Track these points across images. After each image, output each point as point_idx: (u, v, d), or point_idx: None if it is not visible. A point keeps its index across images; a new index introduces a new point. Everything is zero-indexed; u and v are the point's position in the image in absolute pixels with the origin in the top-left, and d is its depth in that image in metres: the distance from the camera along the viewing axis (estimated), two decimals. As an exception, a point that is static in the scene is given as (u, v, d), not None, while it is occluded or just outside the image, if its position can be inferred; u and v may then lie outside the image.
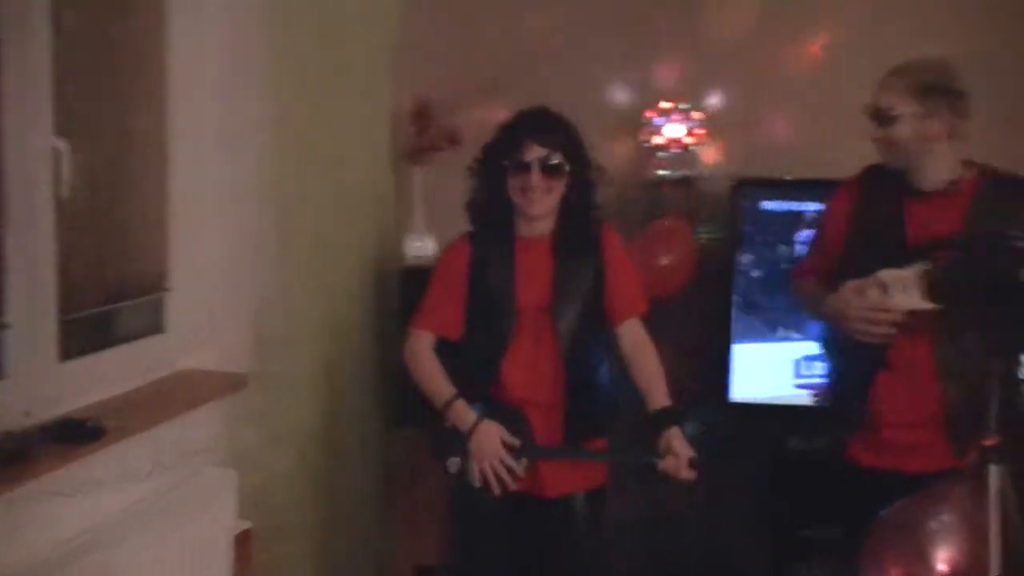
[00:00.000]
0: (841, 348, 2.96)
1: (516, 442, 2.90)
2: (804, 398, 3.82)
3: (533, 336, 2.96)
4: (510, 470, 2.89)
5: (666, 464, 2.86)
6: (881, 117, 2.80)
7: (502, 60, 4.15)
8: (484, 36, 4.20)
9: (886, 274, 2.69)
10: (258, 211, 3.03)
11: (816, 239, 3.18)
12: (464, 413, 2.92)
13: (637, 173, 4.15)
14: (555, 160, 2.92)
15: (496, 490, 2.90)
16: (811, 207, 3.80)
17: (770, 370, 3.91)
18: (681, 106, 3.98)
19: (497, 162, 2.96)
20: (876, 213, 2.88)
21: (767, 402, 3.93)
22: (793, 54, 4.14)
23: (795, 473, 3.82)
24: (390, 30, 3.75)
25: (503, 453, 2.88)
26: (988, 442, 2.56)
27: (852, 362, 2.93)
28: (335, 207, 3.42)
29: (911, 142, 2.78)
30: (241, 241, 3.02)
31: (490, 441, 2.88)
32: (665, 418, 2.93)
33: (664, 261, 3.86)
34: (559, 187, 2.95)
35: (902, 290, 2.67)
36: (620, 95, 4.20)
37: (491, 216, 3.01)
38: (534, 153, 2.90)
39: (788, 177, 3.94)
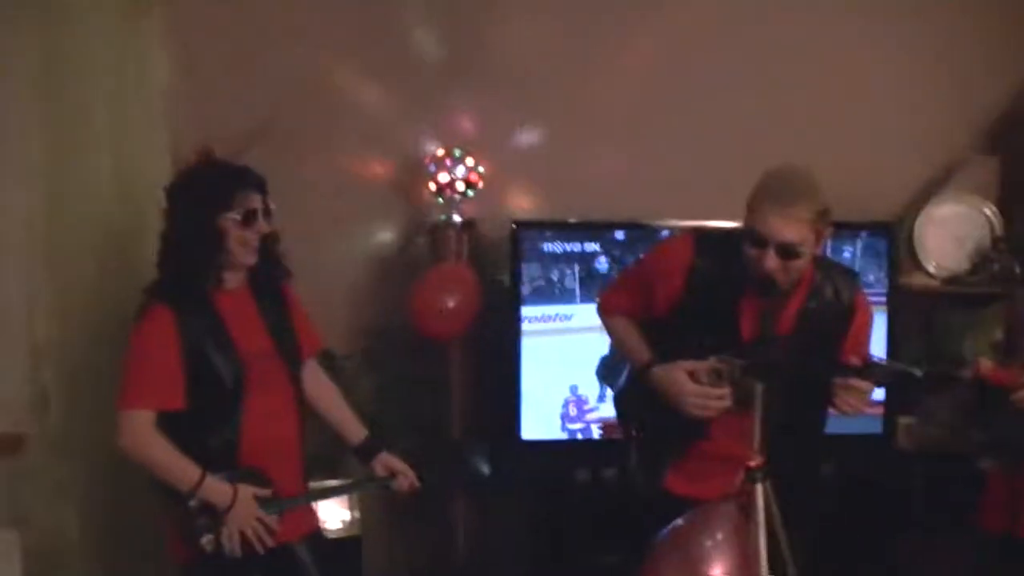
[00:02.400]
0: (653, 409, 2.98)
1: (268, 493, 2.85)
2: (591, 433, 3.96)
3: (265, 386, 2.89)
4: (267, 526, 2.83)
5: (400, 484, 3.08)
6: (787, 251, 2.72)
7: (284, 103, 4.14)
8: (265, 78, 4.17)
9: (720, 363, 2.81)
10: (27, 270, 2.94)
11: (631, 281, 3.15)
12: (219, 487, 2.79)
13: (419, 217, 4.23)
14: (272, 207, 2.92)
15: (260, 549, 2.83)
16: (592, 247, 3.98)
17: (558, 408, 4.03)
18: (458, 152, 4.06)
19: (214, 212, 2.83)
20: (713, 295, 2.89)
21: (556, 439, 4.04)
22: (572, 100, 4.30)
23: (583, 504, 3.94)
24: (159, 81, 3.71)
25: (260, 512, 2.83)
26: (753, 463, 2.73)
27: (669, 425, 2.96)
28: (115, 259, 3.36)
29: (805, 268, 2.84)
30: (16, 293, 2.93)
31: (250, 505, 2.82)
32: (373, 447, 3.10)
33: (447, 304, 3.93)
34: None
35: (733, 380, 2.80)
36: (401, 139, 4.27)
37: (191, 268, 2.85)
38: (257, 202, 2.87)
39: (570, 220, 4.09)
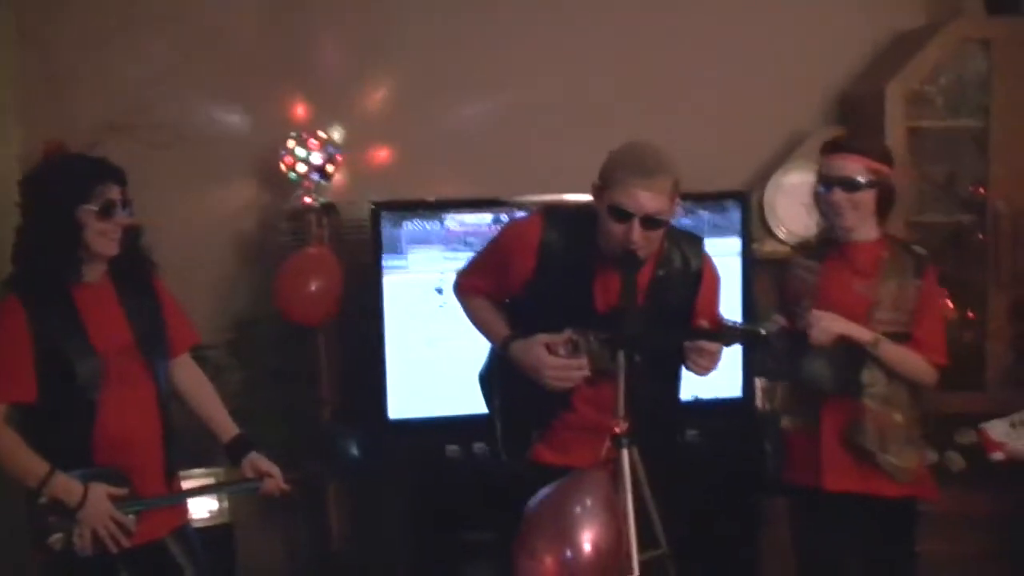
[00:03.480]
0: (516, 383, 3.02)
1: (124, 492, 2.80)
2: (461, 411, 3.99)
3: (124, 383, 2.84)
4: (122, 526, 2.78)
5: (268, 486, 3.03)
6: (652, 222, 2.78)
7: (134, 97, 4.07)
8: (118, 70, 4.10)
9: (577, 334, 2.88)
10: None
11: (485, 262, 3.16)
12: (68, 484, 2.73)
13: (278, 203, 4.20)
14: (130, 199, 2.87)
15: (112, 549, 2.78)
16: (455, 226, 4.00)
17: (427, 386, 4.04)
18: (319, 135, 4.04)
19: (71, 204, 2.76)
20: (566, 270, 2.93)
21: (424, 417, 4.05)
22: (428, 81, 4.33)
23: (456, 481, 3.97)
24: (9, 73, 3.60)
25: (114, 511, 2.77)
26: (618, 429, 2.79)
27: (531, 398, 3.00)
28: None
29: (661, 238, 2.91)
30: None
31: (102, 504, 2.76)
32: (243, 446, 3.06)
33: (310, 287, 3.91)
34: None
35: (590, 351, 2.87)
36: (256, 126, 4.23)
37: (46, 262, 2.78)
38: (116, 194, 2.81)
39: (429, 199, 4.09)
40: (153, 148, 4.00)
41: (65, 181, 2.80)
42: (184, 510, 3.09)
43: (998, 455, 3.14)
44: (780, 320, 3.21)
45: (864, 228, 3.23)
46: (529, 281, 2.97)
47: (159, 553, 2.93)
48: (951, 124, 4.22)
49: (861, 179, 3.15)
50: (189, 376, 3.11)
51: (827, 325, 3.08)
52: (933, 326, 3.21)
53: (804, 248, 3.43)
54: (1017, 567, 3.41)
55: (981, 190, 4.19)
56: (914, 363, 3.17)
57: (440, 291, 3.94)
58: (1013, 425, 3.14)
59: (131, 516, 2.80)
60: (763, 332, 2.86)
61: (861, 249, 3.23)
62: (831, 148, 3.25)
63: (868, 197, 3.17)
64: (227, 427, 3.09)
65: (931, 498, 3.29)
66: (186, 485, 3.17)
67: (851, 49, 4.55)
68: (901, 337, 3.16)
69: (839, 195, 3.16)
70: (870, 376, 3.15)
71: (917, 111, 4.19)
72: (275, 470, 3.04)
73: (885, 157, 3.22)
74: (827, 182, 3.19)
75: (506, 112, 4.37)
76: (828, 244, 3.32)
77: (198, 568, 3.00)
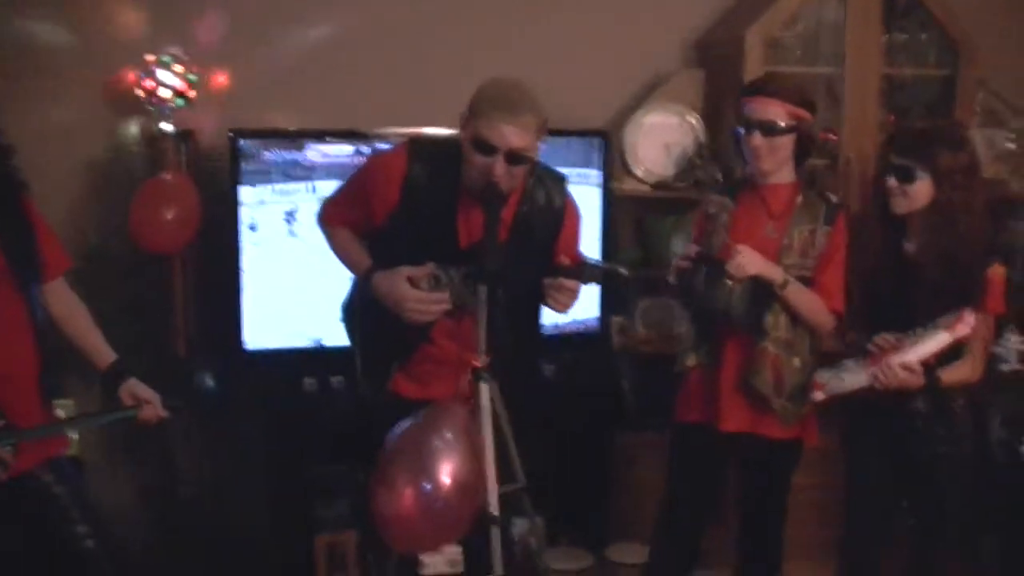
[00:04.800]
0: (377, 315, 3.02)
1: (0, 424, 2.71)
2: (318, 343, 3.97)
3: None
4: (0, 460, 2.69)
5: (146, 413, 2.95)
6: (516, 158, 2.81)
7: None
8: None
9: (439, 269, 2.87)
10: None
11: (349, 193, 3.15)
12: None
13: (136, 129, 4.07)
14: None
15: None
16: (312, 156, 3.95)
17: (285, 317, 3.99)
18: (165, 58, 3.91)
19: None
20: (430, 204, 2.94)
21: (281, 348, 4.00)
22: (290, 8, 4.23)
23: (313, 414, 3.95)
24: None
25: None
26: (477, 363, 2.82)
27: (392, 330, 3.00)
28: None
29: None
30: None
31: None
32: (121, 372, 2.98)
33: (166, 216, 3.82)
34: None
35: (452, 285, 2.87)
36: (111, 47, 4.07)
37: None
38: None
39: (289, 128, 4.02)
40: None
41: None
42: (62, 440, 3.00)
43: (819, 395, 3.27)
44: (692, 247, 3.23)
45: (781, 172, 3.27)
46: (392, 214, 2.97)
47: (34, 485, 2.83)
48: (807, 71, 4.31)
49: (781, 123, 3.18)
50: (63, 301, 2.98)
51: (744, 262, 3.12)
52: (836, 273, 3.27)
53: (719, 185, 3.46)
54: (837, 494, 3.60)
55: (833, 136, 4.31)
56: (818, 308, 3.24)
57: (290, 217, 3.91)
58: (836, 370, 3.28)
59: (7, 448, 2.68)
60: (622, 271, 2.90)
61: (775, 191, 3.28)
62: (751, 90, 3.28)
63: (787, 141, 3.21)
64: (105, 353, 2.99)
65: (811, 441, 3.40)
66: (60, 415, 3.08)
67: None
68: (805, 282, 3.22)
69: (758, 139, 3.18)
70: (773, 321, 3.22)
71: (775, 56, 4.27)
72: (154, 396, 2.96)
73: (806, 103, 3.24)
74: (747, 124, 3.21)
75: (365, 45, 4.30)
76: (743, 183, 3.37)
77: (75, 497, 2.90)
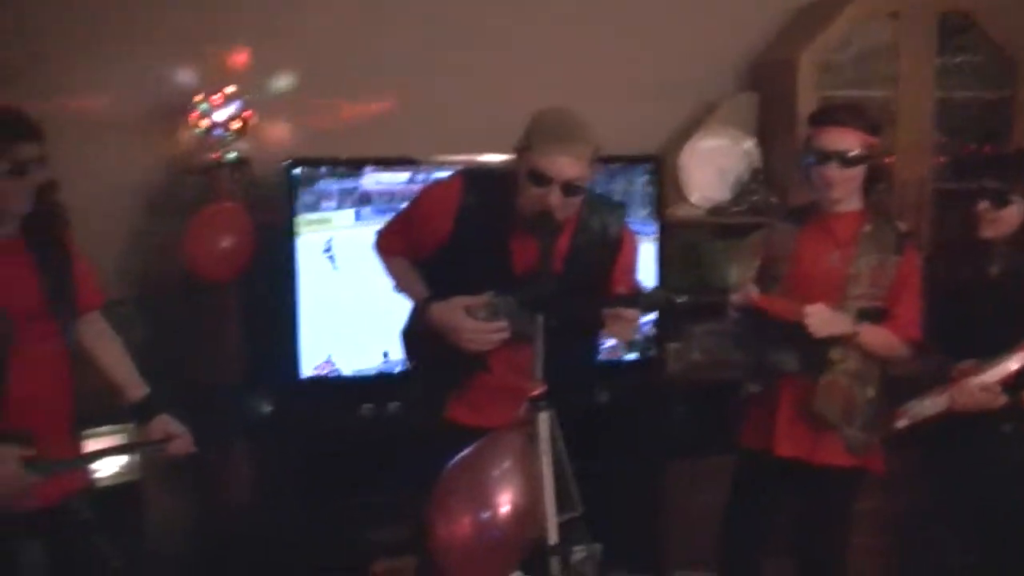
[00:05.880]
0: (434, 342, 3.02)
1: (33, 453, 2.70)
2: (374, 369, 3.98)
3: (34, 343, 2.77)
4: (27, 488, 2.70)
5: (175, 447, 2.98)
6: (571, 188, 2.80)
7: (40, 44, 3.93)
8: (17, 19, 3.92)
9: (496, 298, 2.89)
10: None
11: (404, 222, 3.15)
12: None
13: (189, 158, 4.10)
14: (44, 153, 2.76)
15: (17, 510, 2.71)
16: (368, 184, 3.97)
17: (339, 344, 4.01)
18: (228, 90, 3.95)
19: None
20: (484, 233, 2.93)
21: (336, 375, 4.03)
22: (344, 37, 4.25)
23: (367, 441, 3.95)
24: None
25: (23, 474, 2.68)
26: (535, 392, 2.81)
27: (449, 357, 3.00)
28: None
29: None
30: None
31: (12, 466, 2.67)
32: (152, 407, 3.01)
33: (222, 244, 3.84)
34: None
35: (509, 314, 2.88)
36: (166, 80, 4.11)
37: None
38: (31, 152, 2.71)
39: (344, 156, 4.03)
40: (55, 97, 3.86)
41: None
42: (87, 471, 3.04)
43: (902, 422, 3.23)
44: (753, 292, 3.19)
45: (850, 200, 3.23)
46: (446, 243, 2.97)
47: (65, 515, 2.87)
48: (861, 94, 4.27)
49: (856, 153, 3.15)
50: (97, 334, 3.03)
51: (816, 326, 3.08)
52: (911, 302, 3.22)
53: (785, 212, 3.42)
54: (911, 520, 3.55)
55: (888, 159, 4.28)
56: (893, 344, 3.20)
57: (345, 244, 3.94)
58: (920, 399, 3.24)
59: (37, 479, 2.72)
60: (679, 299, 2.89)
61: (841, 220, 3.24)
62: (823, 119, 3.23)
63: (860, 170, 3.17)
64: (136, 386, 3.03)
65: (878, 470, 3.35)
66: (92, 444, 3.09)
67: (762, 17, 4.58)
68: (876, 312, 3.18)
69: (834, 170, 3.15)
70: (841, 353, 3.17)
71: (827, 80, 4.25)
72: (184, 432, 2.99)
73: (876, 130, 3.21)
74: (821, 155, 3.17)
75: (427, 73, 4.31)
76: (807, 210, 3.33)
77: (107, 528, 2.94)
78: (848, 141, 3.15)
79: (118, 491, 3.66)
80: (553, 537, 2.76)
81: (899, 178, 4.24)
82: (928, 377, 3.30)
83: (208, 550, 4.17)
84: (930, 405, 3.22)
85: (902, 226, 3.32)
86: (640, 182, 4.21)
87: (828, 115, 3.26)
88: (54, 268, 2.85)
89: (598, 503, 3.08)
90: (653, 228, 4.21)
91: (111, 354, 3.05)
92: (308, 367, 3.99)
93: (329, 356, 4.01)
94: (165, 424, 2.98)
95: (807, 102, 4.09)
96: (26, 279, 2.79)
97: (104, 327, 3.07)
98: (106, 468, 3.66)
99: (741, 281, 3.32)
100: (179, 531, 4.18)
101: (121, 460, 3.75)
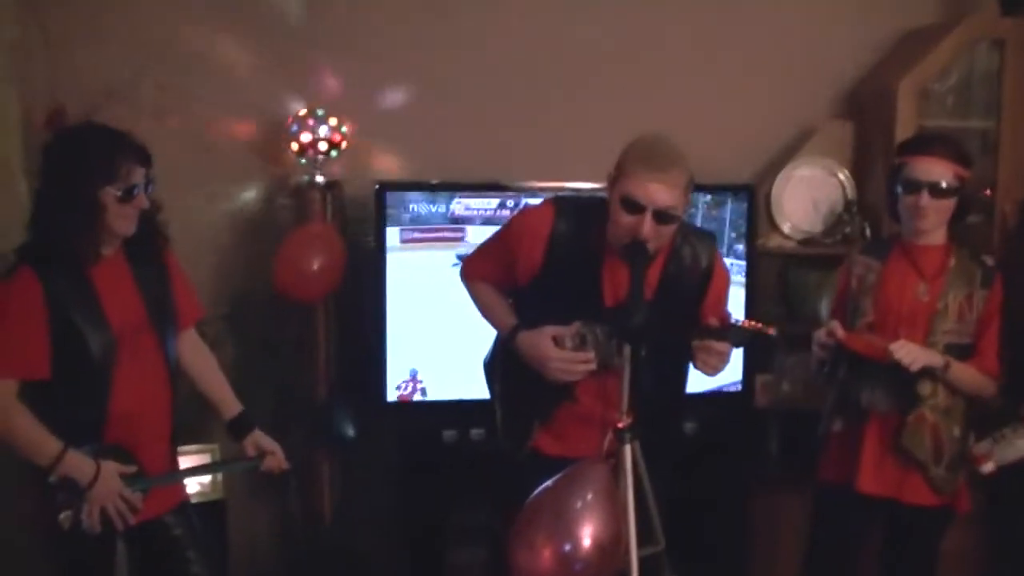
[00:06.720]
0: (520, 371, 3.01)
1: (133, 469, 2.79)
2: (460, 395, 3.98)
3: (137, 358, 2.82)
4: (129, 503, 2.77)
5: (269, 464, 3.07)
6: (664, 216, 2.76)
7: (140, 63, 4.00)
8: (122, 35, 4.02)
9: (585, 328, 2.86)
10: None
11: (493, 249, 3.12)
12: (80, 462, 2.70)
13: (281, 179, 4.17)
14: (151, 178, 2.84)
15: (120, 526, 2.78)
16: (457, 208, 3.98)
17: (425, 369, 4.03)
18: (320, 111, 4.00)
19: (94, 184, 2.70)
20: (575, 261, 2.91)
21: (422, 400, 4.04)
22: (438, 60, 4.27)
23: (452, 465, 3.96)
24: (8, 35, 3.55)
25: (123, 489, 2.76)
26: (621, 424, 2.78)
27: (535, 386, 2.99)
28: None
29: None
30: None
31: (113, 482, 2.74)
32: (245, 424, 3.08)
33: (312, 266, 3.87)
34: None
35: (597, 344, 2.85)
36: (263, 100, 4.17)
37: (64, 237, 2.71)
38: (140, 176, 2.77)
39: (434, 181, 4.05)
40: (152, 116, 3.93)
41: (91, 158, 2.72)
42: (183, 487, 3.10)
43: (988, 467, 3.14)
44: (838, 331, 3.14)
45: (935, 232, 3.19)
46: (537, 272, 2.95)
47: (159, 529, 2.93)
48: (960, 124, 4.18)
49: (950, 184, 3.10)
50: (194, 351, 3.11)
51: (906, 360, 3.02)
52: (993, 336, 3.17)
53: (867, 243, 3.36)
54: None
55: (988, 192, 4.17)
56: (980, 381, 3.16)
57: (435, 268, 3.95)
58: (995, 440, 3.16)
59: (138, 493, 2.80)
60: (771, 332, 2.83)
61: (927, 252, 3.19)
62: (916, 148, 3.19)
63: (951, 203, 3.13)
64: (231, 404, 3.10)
65: (964, 509, 3.28)
66: (182, 460, 3.14)
67: (861, 44, 4.50)
68: (963, 349, 3.13)
69: (926, 200, 3.10)
70: (931, 388, 3.13)
71: (927, 109, 4.16)
72: (277, 448, 3.07)
73: (969, 161, 3.15)
74: (914, 185, 3.12)
75: (515, 99, 4.31)
76: (892, 242, 3.28)
77: (197, 544, 3.00)
78: (940, 171, 3.09)
79: (204, 509, 3.69)
80: (634, 572, 2.73)
81: (999, 209, 4.12)
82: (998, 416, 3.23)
83: (289, 568, 4.21)
84: (1019, 447, 3.14)
85: (989, 260, 3.25)
86: (733, 211, 4.16)
87: (921, 144, 3.20)
88: (155, 284, 2.91)
89: (683, 535, 3.05)
90: (744, 258, 4.15)
91: (208, 370, 3.13)
92: (393, 390, 4.01)
93: (414, 373, 4.03)
94: (259, 441, 3.07)
95: (905, 131, 4.01)
96: (129, 295, 2.85)
97: (200, 343, 3.15)
98: (192, 485, 3.71)
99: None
100: (260, 548, 4.21)
101: (206, 478, 3.81)
